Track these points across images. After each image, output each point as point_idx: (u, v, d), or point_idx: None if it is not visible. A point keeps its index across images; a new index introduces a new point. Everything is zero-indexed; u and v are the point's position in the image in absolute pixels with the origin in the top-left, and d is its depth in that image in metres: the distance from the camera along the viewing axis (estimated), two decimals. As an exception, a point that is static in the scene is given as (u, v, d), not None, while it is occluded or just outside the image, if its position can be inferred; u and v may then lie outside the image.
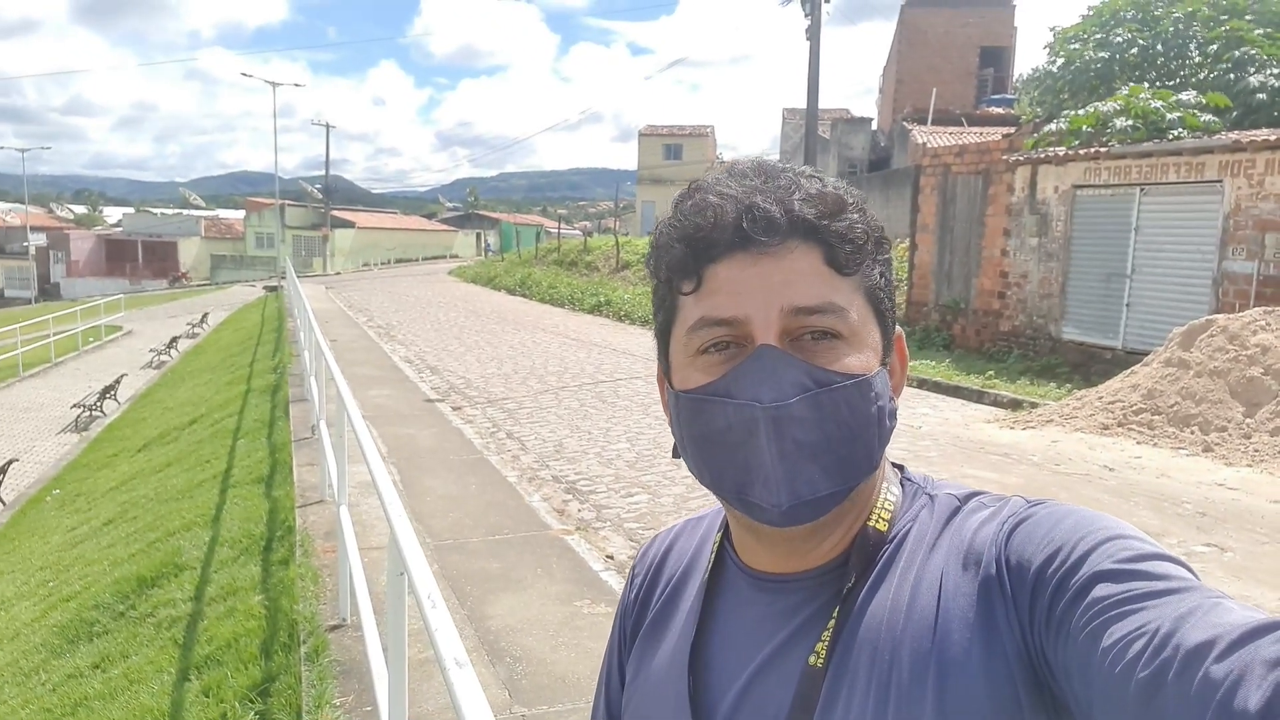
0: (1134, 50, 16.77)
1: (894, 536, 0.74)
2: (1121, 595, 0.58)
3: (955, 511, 0.74)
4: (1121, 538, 0.63)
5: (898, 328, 0.77)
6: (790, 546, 0.75)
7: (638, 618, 0.89)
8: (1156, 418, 8.09)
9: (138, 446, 12.49)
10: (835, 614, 0.72)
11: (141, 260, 58.79)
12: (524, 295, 26.19)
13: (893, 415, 0.73)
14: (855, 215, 0.72)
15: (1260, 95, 14.15)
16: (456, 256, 59.18)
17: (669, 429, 0.78)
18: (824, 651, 0.71)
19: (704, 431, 0.71)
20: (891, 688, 0.66)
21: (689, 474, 0.78)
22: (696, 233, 0.71)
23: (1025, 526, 0.68)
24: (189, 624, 4.79)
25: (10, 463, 12.69)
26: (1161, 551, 0.61)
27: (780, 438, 0.67)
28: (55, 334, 24.25)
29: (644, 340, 16.04)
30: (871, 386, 0.70)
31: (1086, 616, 0.58)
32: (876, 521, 0.75)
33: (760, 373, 0.68)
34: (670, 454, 0.79)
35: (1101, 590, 0.59)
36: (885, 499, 0.76)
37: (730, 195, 0.71)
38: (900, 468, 0.81)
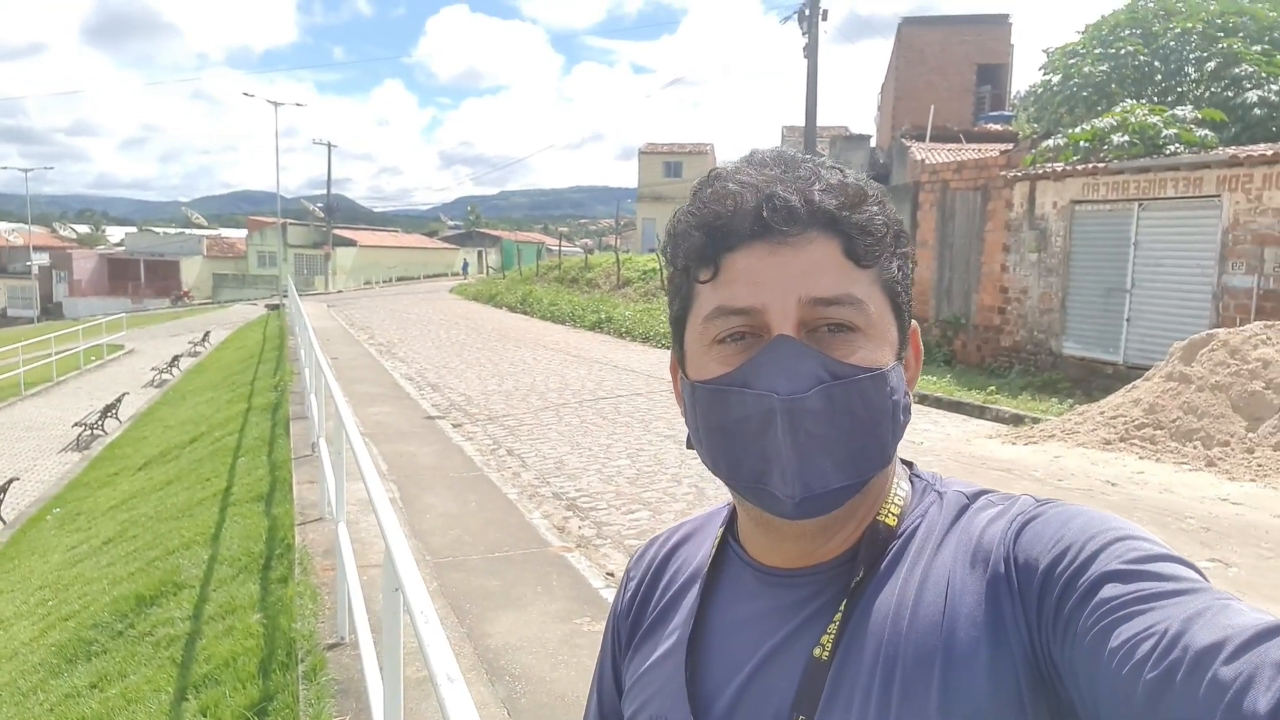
0: (1135, 64, 16.82)
1: (903, 532, 0.74)
2: (1130, 596, 0.57)
3: (964, 509, 0.74)
4: (1131, 538, 0.62)
5: (913, 321, 0.77)
6: (801, 541, 0.75)
7: (636, 618, 0.88)
8: (1159, 432, 8.06)
9: (138, 465, 12.46)
10: (843, 607, 0.71)
11: (144, 279, 58.99)
12: (525, 312, 26.22)
13: (907, 410, 0.73)
14: (875, 208, 0.71)
15: (1257, 111, 14.19)
16: (458, 274, 59.38)
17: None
18: (829, 644, 0.70)
19: (720, 422, 0.70)
20: (896, 683, 0.66)
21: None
22: (715, 220, 0.70)
23: (1034, 525, 0.67)
24: (187, 643, 4.76)
25: (11, 481, 12.66)
26: (1170, 553, 0.61)
27: (795, 430, 0.67)
28: (57, 353, 24.28)
29: (645, 357, 16.04)
30: (887, 380, 0.70)
31: (1094, 617, 0.58)
32: (886, 516, 0.74)
33: (777, 363, 0.67)
34: (684, 445, 0.78)
35: (1110, 591, 0.58)
36: (895, 494, 0.76)
37: (750, 184, 0.70)
38: (910, 464, 0.80)
